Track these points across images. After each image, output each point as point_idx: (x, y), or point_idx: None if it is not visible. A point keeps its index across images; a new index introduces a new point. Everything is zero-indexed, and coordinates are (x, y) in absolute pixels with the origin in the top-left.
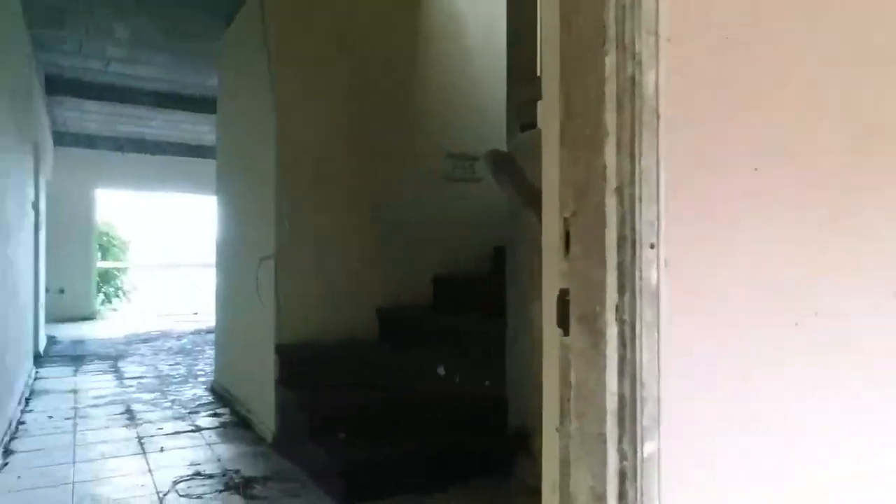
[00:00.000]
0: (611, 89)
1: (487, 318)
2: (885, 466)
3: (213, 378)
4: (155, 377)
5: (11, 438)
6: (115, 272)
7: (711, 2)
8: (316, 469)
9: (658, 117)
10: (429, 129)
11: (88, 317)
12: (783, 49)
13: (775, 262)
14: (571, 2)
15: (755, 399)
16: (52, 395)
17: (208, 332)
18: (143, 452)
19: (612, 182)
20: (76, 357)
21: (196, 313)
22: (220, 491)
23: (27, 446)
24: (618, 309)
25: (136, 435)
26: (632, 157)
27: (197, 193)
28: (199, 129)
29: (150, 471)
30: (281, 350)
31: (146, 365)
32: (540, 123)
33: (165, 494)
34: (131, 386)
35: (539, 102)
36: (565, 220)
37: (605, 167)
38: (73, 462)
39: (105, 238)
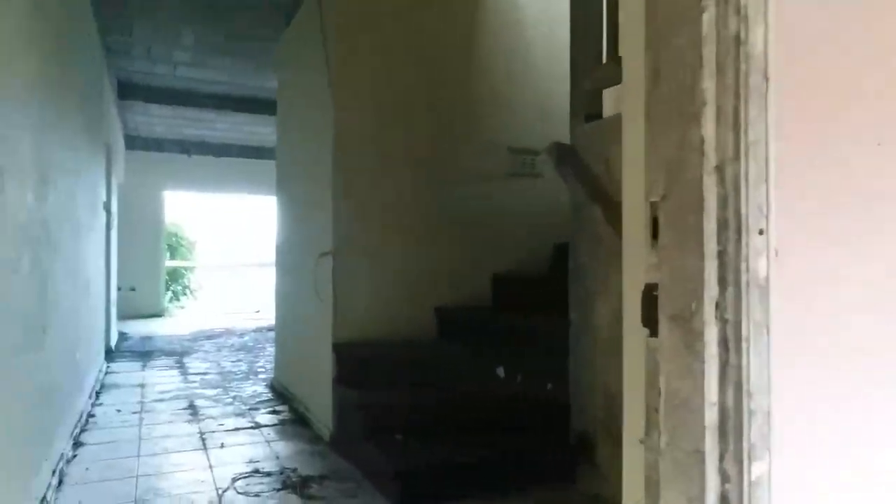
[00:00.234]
0: (709, 51)
1: (548, 318)
2: None
3: (272, 375)
4: (217, 373)
5: (81, 431)
6: (183, 271)
7: None
8: (372, 470)
9: (767, 81)
10: (489, 124)
11: (157, 314)
12: None
13: None
14: None
15: (887, 414)
16: (121, 390)
17: (269, 329)
18: (205, 448)
19: (711, 159)
20: (144, 353)
21: (258, 311)
22: (278, 489)
23: (96, 439)
24: (718, 306)
25: (198, 430)
26: (736, 128)
27: (259, 194)
28: (261, 130)
29: (210, 467)
30: (338, 348)
31: (209, 361)
32: (607, 111)
33: (224, 491)
34: (195, 382)
35: (605, 91)
36: (653, 204)
37: (702, 141)
38: (138, 455)
39: (174, 238)
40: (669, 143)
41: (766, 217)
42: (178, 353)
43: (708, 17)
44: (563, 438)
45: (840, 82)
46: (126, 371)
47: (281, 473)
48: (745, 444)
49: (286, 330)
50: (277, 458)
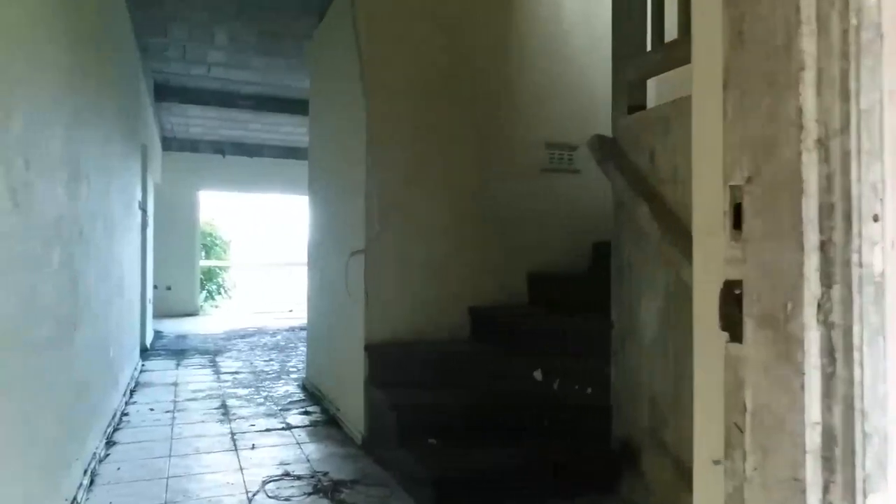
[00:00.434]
0: (808, 3)
1: (587, 319)
2: None
3: (304, 375)
4: (250, 372)
5: (115, 430)
6: (217, 270)
7: None
8: (405, 475)
9: (882, 38)
10: (525, 118)
11: (192, 313)
12: None
13: None
14: None
15: None
16: (155, 388)
17: (301, 328)
18: (235, 449)
19: (811, 132)
20: (179, 351)
21: (291, 310)
22: (309, 494)
23: (128, 438)
24: (821, 307)
25: (229, 431)
26: (843, 95)
27: (293, 194)
28: (294, 131)
29: (240, 469)
30: (370, 349)
31: (242, 360)
32: (651, 101)
33: (254, 494)
34: (227, 381)
35: (649, 81)
36: (734, 189)
37: (800, 112)
38: (169, 456)
39: (208, 238)
40: (757, 117)
41: (882, 200)
42: (211, 352)
43: None
44: (604, 445)
45: None
46: (160, 369)
47: (312, 477)
48: (857, 474)
49: (318, 330)
50: (308, 460)
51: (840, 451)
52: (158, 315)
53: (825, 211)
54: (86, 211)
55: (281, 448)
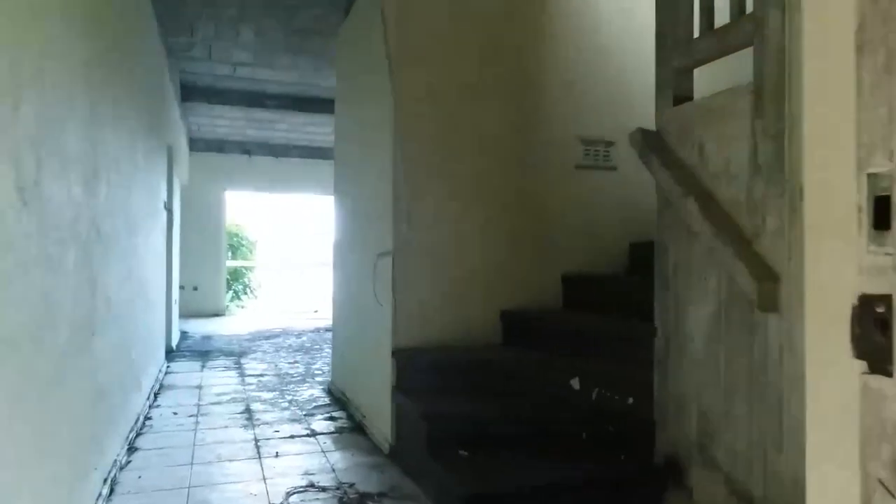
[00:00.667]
0: None
1: (627, 324)
2: None
3: (329, 378)
4: (274, 375)
5: (137, 435)
6: (244, 271)
7: None
8: (435, 489)
9: None
10: (558, 112)
11: (218, 313)
12: None
13: None
14: None
15: None
16: (179, 391)
17: (327, 330)
18: (259, 457)
19: None
20: (204, 353)
21: (316, 311)
22: None
23: (150, 444)
24: None
25: (252, 437)
26: None
27: (319, 194)
28: (320, 131)
29: (264, 478)
30: (398, 354)
31: (267, 363)
32: (699, 91)
33: None
34: (252, 384)
35: (697, 70)
36: (875, 177)
37: None
38: (191, 463)
39: (235, 238)
40: None
41: None
42: (236, 354)
43: None
44: (647, 459)
45: None
46: (185, 371)
47: (337, 489)
48: None
49: (343, 332)
50: (334, 470)
51: None
52: (185, 315)
53: None
54: (105, 210)
55: (306, 456)
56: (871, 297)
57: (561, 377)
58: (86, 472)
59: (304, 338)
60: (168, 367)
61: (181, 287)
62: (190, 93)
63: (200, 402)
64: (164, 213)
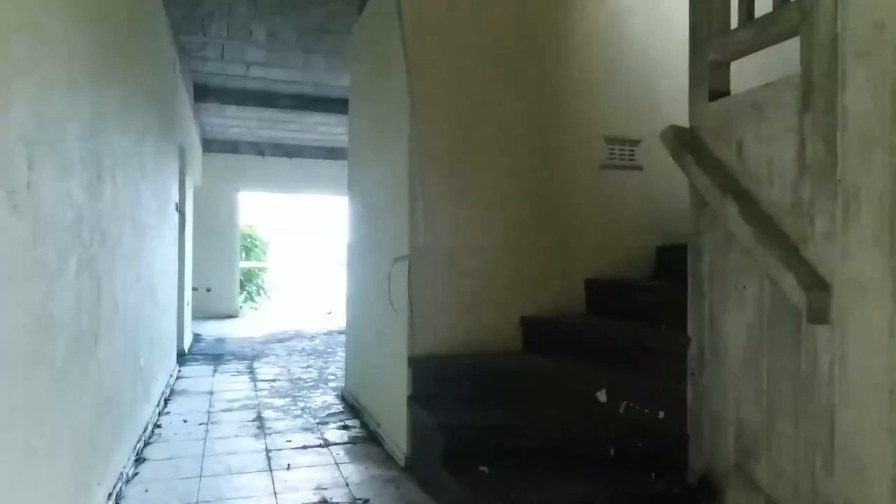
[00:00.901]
0: None
1: (655, 332)
2: None
3: (342, 384)
4: (287, 380)
5: (145, 444)
6: (257, 272)
7: None
8: None
9: None
10: (581, 110)
11: (232, 315)
12: None
13: None
14: None
15: None
16: (190, 396)
17: (340, 332)
18: (270, 469)
19: None
20: (216, 356)
21: (330, 312)
22: None
23: (159, 454)
24: None
25: (263, 447)
26: None
27: (333, 194)
28: (335, 130)
29: (274, 493)
30: (415, 363)
31: (279, 367)
32: (736, 86)
33: None
34: (264, 390)
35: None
36: None
37: None
38: (200, 476)
39: (248, 239)
40: None
41: None
42: (248, 358)
43: None
44: (680, 478)
45: None
46: (197, 376)
47: None
48: None
49: (357, 336)
50: (347, 485)
51: None
52: (198, 317)
53: None
54: (111, 213)
55: (318, 469)
56: None
57: (586, 388)
58: (88, 488)
59: (318, 341)
60: (180, 371)
61: (194, 289)
62: (203, 93)
63: (211, 409)
64: (176, 215)
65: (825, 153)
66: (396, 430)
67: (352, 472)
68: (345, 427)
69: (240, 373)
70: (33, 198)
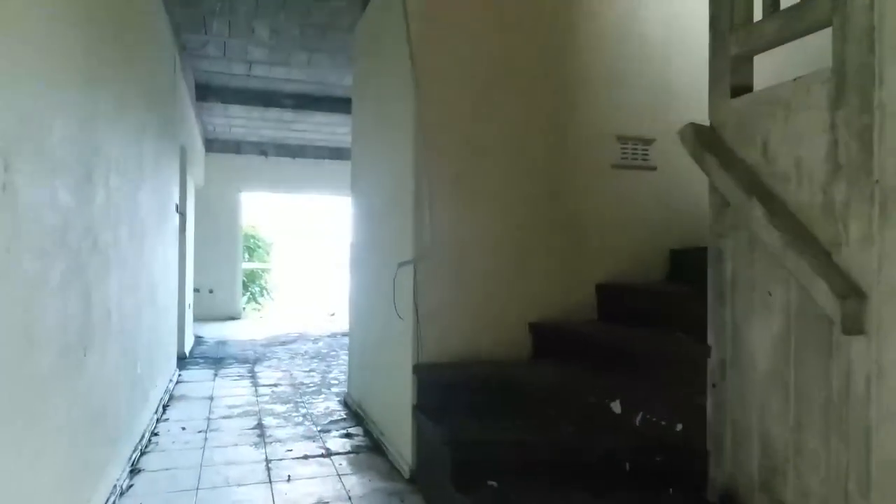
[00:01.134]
0: None
1: (670, 340)
2: None
3: (345, 389)
4: (289, 385)
5: (142, 454)
6: (260, 272)
7: None
8: None
9: None
10: (594, 108)
11: (234, 316)
12: None
13: None
14: None
15: None
16: (190, 402)
17: (343, 335)
18: (269, 481)
19: None
20: (218, 359)
21: (333, 314)
22: None
23: (155, 464)
24: None
25: (263, 457)
26: None
27: (337, 195)
28: (339, 130)
29: None
30: (420, 370)
31: (282, 371)
32: (759, 82)
33: None
34: (265, 395)
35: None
36: None
37: None
38: (197, 489)
39: (251, 240)
40: None
41: None
42: (250, 361)
43: None
44: (699, 494)
45: None
46: (197, 380)
47: None
48: None
49: (360, 340)
50: (350, 498)
51: None
52: (201, 319)
53: None
54: (104, 216)
55: (319, 481)
56: None
57: (599, 398)
58: None
59: (321, 343)
60: (180, 375)
61: (196, 290)
62: (205, 92)
63: (211, 416)
64: (177, 216)
65: (860, 152)
66: (401, 441)
67: (354, 484)
68: (347, 435)
69: (241, 377)
70: (9, 202)
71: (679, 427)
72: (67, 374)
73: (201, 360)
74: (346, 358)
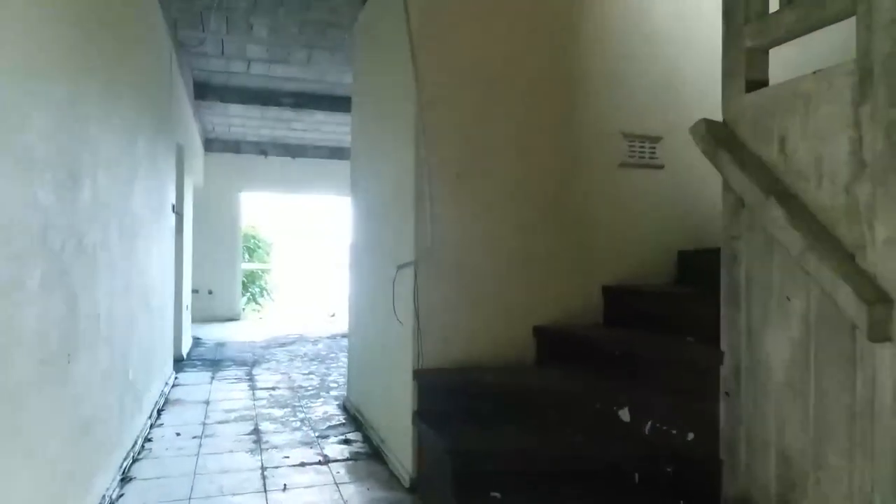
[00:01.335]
0: None
1: (684, 346)
2: None
3: (345, 393)
4: (287, 388)
5: (134, 461)
6: (260, 273)
7: None
8: None
9: None
10: (599, 104)
11: (233, 317)
12: None
13: None
14: None
15: None
16: (186, 406)
17: (343, 336)
18: (264, 490)
19: None
20: (215, 362)
21: (333, 315)
22: None
23: (147, 472)
24: None
25: (259, 464)
26: None
27: (337, 195)
28: (339, 130)
29: None
30: (420, 376)
31: (280, 373)
32: (775, 75)
33: None
34: (262, 399)
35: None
36: None
37: None
38: (189, 498)
39: (252, 240)
40: None
41: None
42: (248, 363)
43: None
44: None
45: None
46: (193, 383)
47: None
48: None
49: (359, 343)
50: None
51: None
52: (200, 320)
53: None
54: (90, 217)
55: (316, 490)
56: None
57: (606, 405)
58: None
59: (321, 345)
60: (176, 378)
61: (195, 291)
62: (204, 91)
63: (206, 421)
64: (173, 217)
65: (887, 149)
66: (401, 448)
67: (352, 493)
68: (346, 441)
69: (239, 380)
70: None
71: (690, 436)
72: (49, 383)
73: (199, 363)
74: (346, 360)
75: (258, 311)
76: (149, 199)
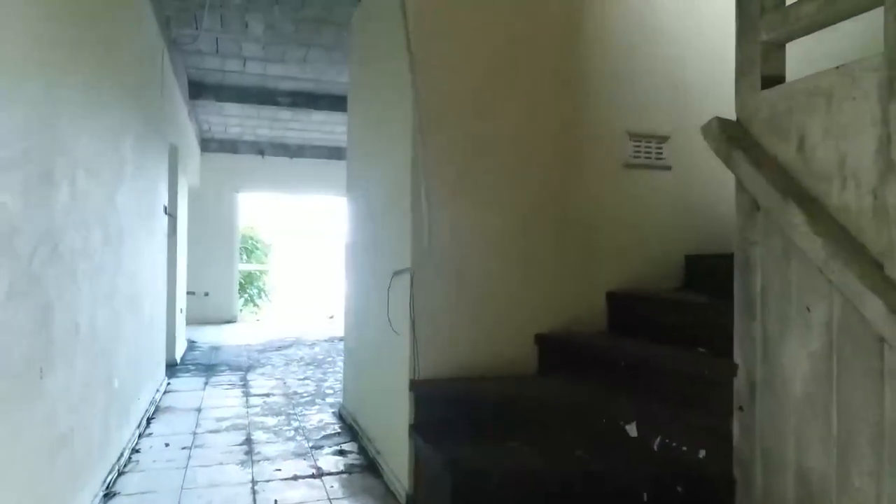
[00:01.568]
0: None
1: (694, 357)
2: None
3: (340, 400)
4: (282, 394)
5: (119, 474)
6: (258, 274)
7: None
8: None
9: None
10: (603, 103)
11: (230, 320)
12: None
13: None
14: None
15: None
16: (176, 414)
17: (341, 339)
18: None
19: None
20: (209, 366)
21: (332, 316)
22: None
23: (132, 487)
24: None
25: (249, 478)
26: None
27: (335, 195)
28: (337, 129)
29: None
30: (417, 387)
31: (275, 379)
32: (792, 72)
33: None
34: (256, 406)
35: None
36: None
37: None
38: None
39: (249, 241)
40: None
41: None
42: (243, 368)
43: None
44: None
45: None
46: (186, 389)
47: None
48: None
49: (356, 350)
50: None
51: None
52: (195, 322)
53: None
54: (68, 221)
55: None
56: None
57: (613, 420)
58: None
59: (318, 348)
60: (169, 384)
61: (191, 293)
62: (199, 90)
63: (197, 430)
64: (166, 218)
65: None
66: (397, 461)
67: None
68: (341, 452)
69: (232, 385)
70: None
71: (702, 454)
72: (14, 400)
73: (192, 368)
74: (342, 365)
75: (256, 312)
76: (138, 200)
